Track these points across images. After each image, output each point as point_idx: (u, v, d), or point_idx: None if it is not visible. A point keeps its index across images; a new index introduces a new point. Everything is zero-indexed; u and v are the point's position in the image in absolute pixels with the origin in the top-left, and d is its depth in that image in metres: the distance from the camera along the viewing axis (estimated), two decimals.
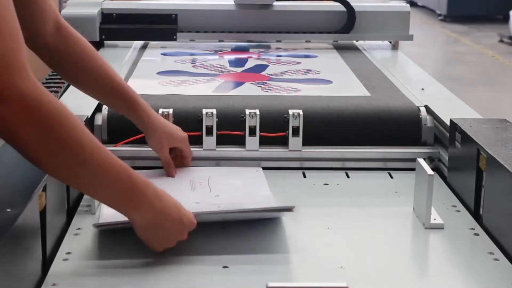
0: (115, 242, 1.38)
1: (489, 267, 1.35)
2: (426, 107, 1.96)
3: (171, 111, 1.84)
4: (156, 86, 2.18)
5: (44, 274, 1.28)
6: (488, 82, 7.37)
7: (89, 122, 1.84)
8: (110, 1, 2.88)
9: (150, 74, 2.35)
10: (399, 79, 2.31)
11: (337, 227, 1.52)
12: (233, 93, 2.11)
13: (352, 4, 2.81)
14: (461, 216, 1.59)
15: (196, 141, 1.84)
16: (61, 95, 2.12)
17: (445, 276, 1.33)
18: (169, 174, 1.72)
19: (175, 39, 2.80)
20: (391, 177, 1.83)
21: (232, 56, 2.65)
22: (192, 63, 2.51)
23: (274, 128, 1.87)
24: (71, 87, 2.18)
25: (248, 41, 2.89)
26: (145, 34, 2.81)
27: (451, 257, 1.40)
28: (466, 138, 1.66)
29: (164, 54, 2.70)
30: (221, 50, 2.75)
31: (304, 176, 1.82)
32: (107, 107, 1.90)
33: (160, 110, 1.83)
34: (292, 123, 1.85)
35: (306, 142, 1.86)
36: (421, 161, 1.56)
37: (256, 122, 1.84)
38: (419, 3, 12.22)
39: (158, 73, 2.36)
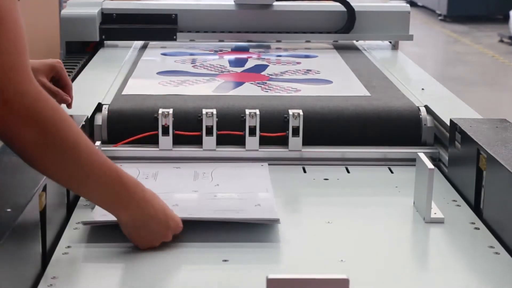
0: (114, 236, 1.38)
1: (489, 261, 1.35)
2: (426, 107, 1.96)
3: (171, 111, 1.84)
4: (156, 86, 2.18)
5: (43, 269, 1.28)
6: (488, 82, 7.37)
7: (89, 122, 1.84)
8: (110, 1, 2.88)
9: (150, 74, 2.35)
10: (399, 79, 2.31)
11: (337, 221, 1.52)
12: (233, 93, 2.11)
13: (352, 4, 2.81)
14: (462, 210, 1.59)
15: (196, 141, 1.85)
16: None
17: (445, 269, 1.33)
18: (65, 101, 1.77)
19: (175, 39, 2.80)
20: (391, 172, 1.83)
21: (232, 56, 2.65)
22: (192, 63, 2.51)
23: (274, 128, 1.87)
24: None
25: (248, 41, 2.89)
26: (145, 34, 2.81)
27: (451, 251, 1.40)
28: (466, 138, 1.66)
29: (164, 54, 2.70)
30: (221, 50, 2.75)
31: (304, 171, 1.82)
32: (107, 107, 1.90)
33: (160, 110, 1.83)
34: (292, 123, 1.85)
35: (306, 142, 1.86)
36: (421, 155, 1.56)
37: (256, 122, 1.84)
38: (419, 3, 12.21)
39: (158, 73, 2.36)
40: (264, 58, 2.61)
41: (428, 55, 8.53)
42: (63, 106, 1.78)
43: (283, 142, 1.87)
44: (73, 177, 1.25)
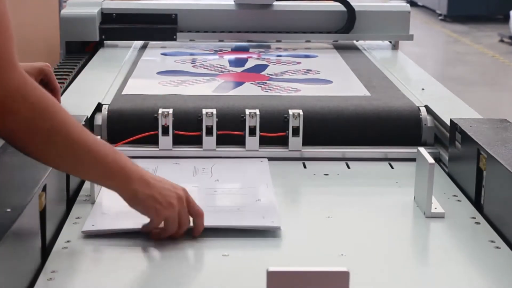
0: None
1: (490, 255, 1.35)
2: (426, 107, 1.96)
3: (171, 111, 1.84)
4: (156, 86, 2.18)
5: (43, 264, 1.28)
6: (488, 82, 7.37)
7: (89, 122, 1.84)
8: (110, 1, 2.88)
9: (150, 74, 2.35)
10: (399, 79, 2.31)
11: (337, 216, 1.52)
12: (233, 93, 2.11)
13: (352, 4, 2.81)
14: (462, 205, 1.59)
15: (196, 141, 1.85)
16: (61, 95, 2.12)
17: (446, 264, 1.32)
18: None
19: (175, 39, 2.80)
20: (392, 167, 1.83)
21: (232, 56, 2.65)
22: (192, 63, 2.51)
23: (274, 128, 1.87)
24: (72, 87, 2.19)
25: (248, 41, 2.89)
26: (145, 34, 2.81)
27: (452, 245, 1.40)
28: (466, 138, 1.66)
29: (164, 54, 2.70)
30: (221, 50, 2.75)
31: (305, 167, 1.82)
32: (107, 107, 1.90)
33: (160, 110, 1.83)
34: (292, 123, 1.85)
35: (306, 142, 1.86)
36: (421, 149, 1.56)
37: (256, 122, 1.84)
38: (419, 3, 12.22)
39: (158, 73, 2.36)
40: (264, 58, 2.61)
41: (428, 55, 8.53)
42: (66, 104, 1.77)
43: (283, 142, 1.87)
44: (65, 157, 1.25)
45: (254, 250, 1.36)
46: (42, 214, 1.32)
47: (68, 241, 1.37)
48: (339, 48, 2.83)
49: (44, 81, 1.79)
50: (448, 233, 1.46)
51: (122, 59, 2.57)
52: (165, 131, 1.83)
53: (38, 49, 5.72)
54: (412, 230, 1.51)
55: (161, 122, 1.83)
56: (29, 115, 1.16)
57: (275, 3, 2.84)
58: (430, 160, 1.49)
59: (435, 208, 1.52)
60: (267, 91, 2.12)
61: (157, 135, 1.84)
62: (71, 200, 1.56)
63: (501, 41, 9.38)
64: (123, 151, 1.80)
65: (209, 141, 1.84)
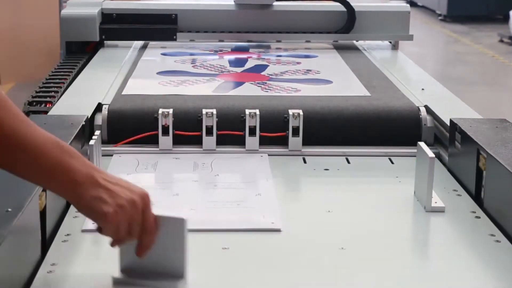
0: None
1: (490, 249, 1.35)
2: (426, 107, 1.96)
3: (171, 111, 1.84)
4: (156, 86, 2.18)
5: (43, 258, 1.29)
6: (488, 82, 7.36)
7: (89, 122, 1.84)
8: (110, 1, 2.88)
9: (150, 74, 2.35)
10: (399, 79, 2.31)
11: (337, 210, 1.52)
12: (233, 93, 2.11)
13: (352, 4, 2.82)
14: (462, 199, 1.59)
15: (196, 141, 1.85)
16: (61, 95, 2.12)
17: (446, 258, 1.33)
18: None
19: (175, 39, 2.80)
20: (392, 162, 1.83)
21: (232, 56, 2.65)
22: (192, 63, 2.51)
23: (274, 128, 1.87)
24: (72, 87, 2.19)
25: (248, 41, 2.89)
26: (145, 34, 2.82)
27: (452, 239, 1.40)
28: (466, 138, 1.66)
29: (164, 54, 2.70)
30: (221, 50, 2.75)
31: (305, 162, 1.83)
32: (107, 107, 1.91)
33: (160, 110, 1.83)
34: (292, 123, 1.85)
35: (306, 142, 1.86)
36: (422, 144, 1.56)
37: (256, 122, 1.84)
38: (419, 3, 12.21)
39: (158, 73, 2.36)
40: (264, 58, 2.61)
41: (428, 55, 8.53)
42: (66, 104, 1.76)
43: (283, 142, 1.87)
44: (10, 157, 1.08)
45: (254, 244, 1.37)
46: (42, 213, 1.32)
47: (68, 235, 1.37)
48: (339, 48, 2.83)
49: None
50: (448, 227, 1.46)
51: (122, 59, 2.57)
52: (165, 131, 1.84)
53: (38, 49, 5.73)
54: (413, 224, 1.51)
55: (161, 122, 1.83)
56: None
57: (275, 3, 2.84)
58: (430, 154, 1.49)
59: (435, 202, 1.52)
60: (267, 91, 2.12)
61: (157, 135, 1.84)
62: None
63: (501, 41, 9.37)
64: (123, 151, 1.83)
65: (209, 141, 1.84)
